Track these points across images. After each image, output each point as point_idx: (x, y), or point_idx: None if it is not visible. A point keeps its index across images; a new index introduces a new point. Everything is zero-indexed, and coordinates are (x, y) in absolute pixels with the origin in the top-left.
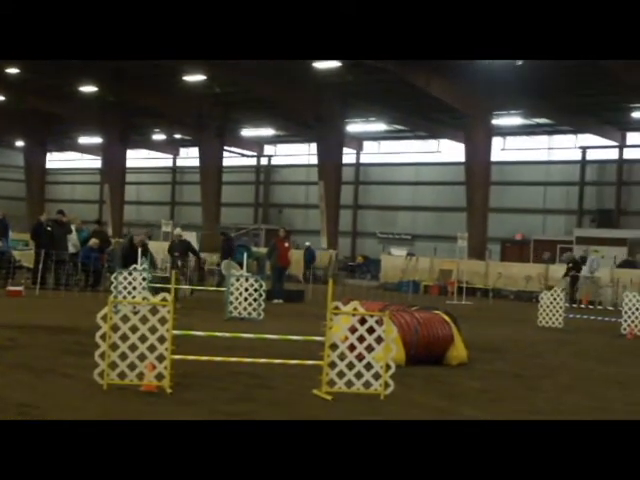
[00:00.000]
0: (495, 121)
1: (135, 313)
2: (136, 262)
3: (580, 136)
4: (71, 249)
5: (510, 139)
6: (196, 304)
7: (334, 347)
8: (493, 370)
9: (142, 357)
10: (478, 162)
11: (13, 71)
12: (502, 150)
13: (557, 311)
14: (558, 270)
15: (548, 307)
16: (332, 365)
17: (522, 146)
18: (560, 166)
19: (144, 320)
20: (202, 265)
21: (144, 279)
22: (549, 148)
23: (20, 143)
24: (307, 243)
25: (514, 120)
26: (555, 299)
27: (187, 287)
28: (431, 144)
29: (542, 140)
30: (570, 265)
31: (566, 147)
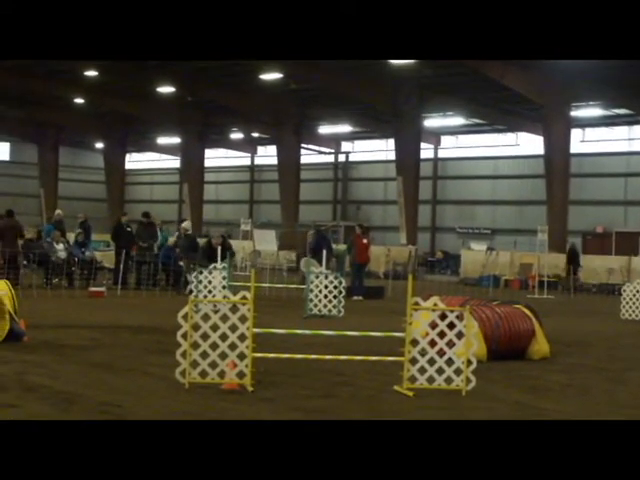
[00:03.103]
0: (574, 113)
1: (216, 312)
2: (216, 261)
3: None
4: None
5: (589, 130)
6: (275, 302)
7: (415, 343)
8: (576, 364)
9: (223, 355)
10: (557, 154)
11: (92, 74)
12: (581, 142)
13: None
14: None
15: (631, 299)
16: (413, 361)
17: (602, 137)
18: None
19: (224, 319)
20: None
21: (224, 278)
22: (629, 139)
23: (100, 145)
24: None
25: (593, 111)
26: (639, 291)
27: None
28: (509, 137)
29: (622, 131)
30: (569, 254)
31: None
